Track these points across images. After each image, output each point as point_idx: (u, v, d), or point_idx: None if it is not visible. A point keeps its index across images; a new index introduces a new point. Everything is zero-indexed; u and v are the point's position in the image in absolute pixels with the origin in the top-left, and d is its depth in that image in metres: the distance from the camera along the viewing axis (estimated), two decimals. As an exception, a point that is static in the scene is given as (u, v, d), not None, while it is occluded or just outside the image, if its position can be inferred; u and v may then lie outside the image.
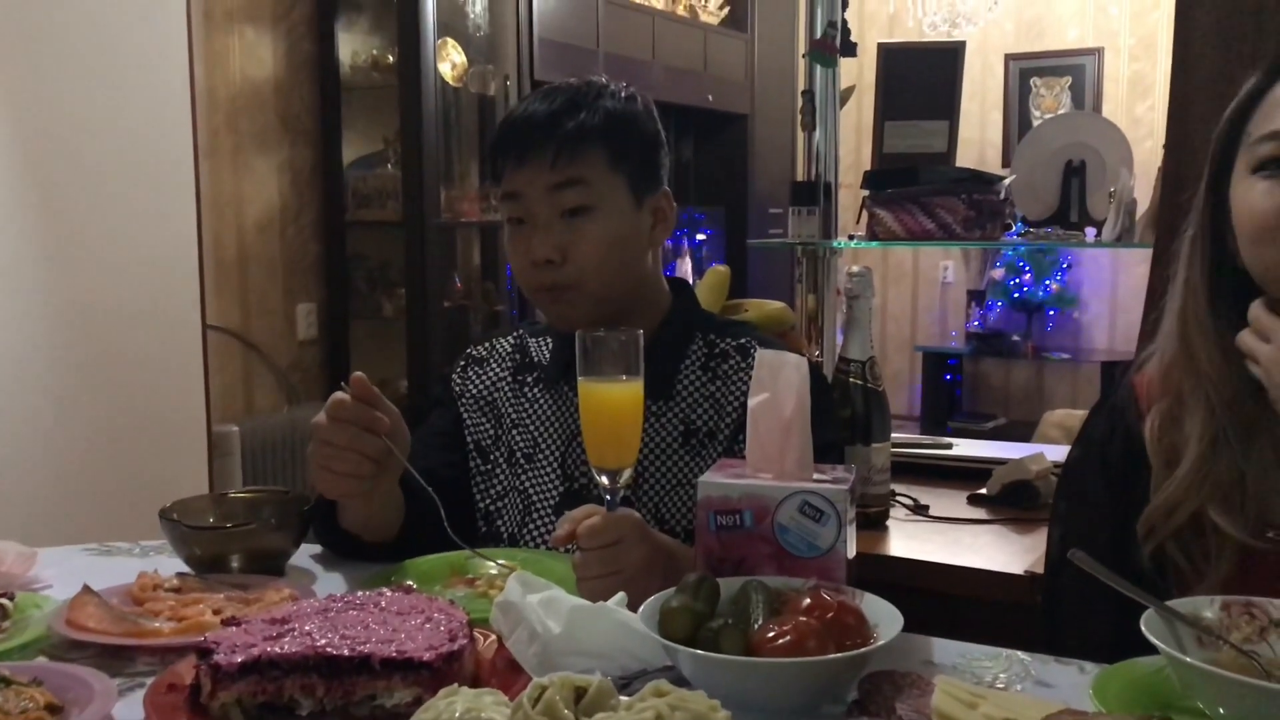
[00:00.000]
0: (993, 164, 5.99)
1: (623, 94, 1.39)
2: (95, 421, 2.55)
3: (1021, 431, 5.63)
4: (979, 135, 5.97)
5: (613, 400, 1.10)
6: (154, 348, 2.69)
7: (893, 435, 1.78)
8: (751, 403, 1.08)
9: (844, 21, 1.88)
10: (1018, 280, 5.98)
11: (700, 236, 5.26)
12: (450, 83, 3.74)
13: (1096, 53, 5.84)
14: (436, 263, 3.73)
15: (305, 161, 3.71)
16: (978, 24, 4.05)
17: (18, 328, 2.40)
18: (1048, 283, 5.93)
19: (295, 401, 3.67)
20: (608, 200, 1.31)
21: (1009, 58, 5.99)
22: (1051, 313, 6.01)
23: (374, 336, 3.88)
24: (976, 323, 6.07)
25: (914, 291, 6.35)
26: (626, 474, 1.11)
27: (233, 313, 3.50)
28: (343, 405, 1.14)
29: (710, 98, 5.14)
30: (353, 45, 3.76)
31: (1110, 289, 5.86)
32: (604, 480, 1.10)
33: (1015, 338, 5.97)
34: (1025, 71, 5.99)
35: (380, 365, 3.87)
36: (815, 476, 1.06)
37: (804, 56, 1.91)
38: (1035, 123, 6.02)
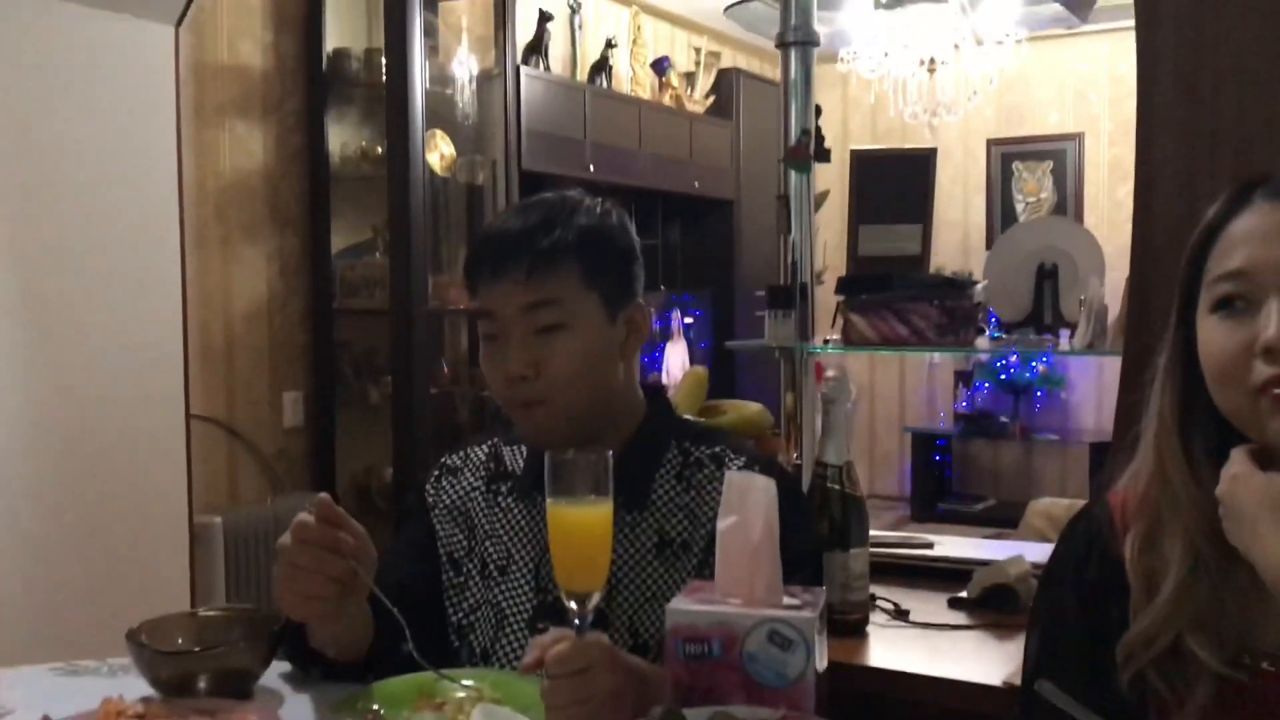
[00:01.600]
0: (977, 247, 6.06)
1: (597, 209, 1.39)
2: (75, 513, 2.53)
3: (1011, 513, 5.61)
4: (962, 218, 6.05)
5: (581, 523, 1.10)
6: (137, 437, 2.69)
7: (872, 533, 1.77)
8: (720, 525, 1.09)
9: (818, 129, 1.92)
10: (1005, 361, 6.02)
11: (689, 319, 5.30)
12: (438, 173, 3.80)
13: (1077, 138, 5.95)
14: (423, 350, 3.74)
15: (294, 250, 3.74)
16: (957, 114, 4.12)
17: (6, 426, 2.40)
18: (1035, 364, 5.96)
19: (280, 491, 3.66)
20: (581, 317, 1.32)
21: (991, 142, 6.10)
22: (1039, 394, 6.04)
23: (360, 423, 3.88)
24: (964, 403, 6.09)
25: (901, 372, 6.38)
26: (595, 597, 1.10)
27: (218, 401, 3.50)
28: (307, 527, 1.14)
29: (696, 184, 5.22)
30: (343, 136, 3.81)
31: (1097, 370, 5.89)
32: (572, 605, 1.10)
33: (1003, 419, 5.99)
34: (1007, 156, 6.09)
35: (366, 452, 3.87)
36: (785, 601, 1.06)
37: (779, 162, 1.95)
38: (1018, 205, 6.10)
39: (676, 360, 5.02)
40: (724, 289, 5.53)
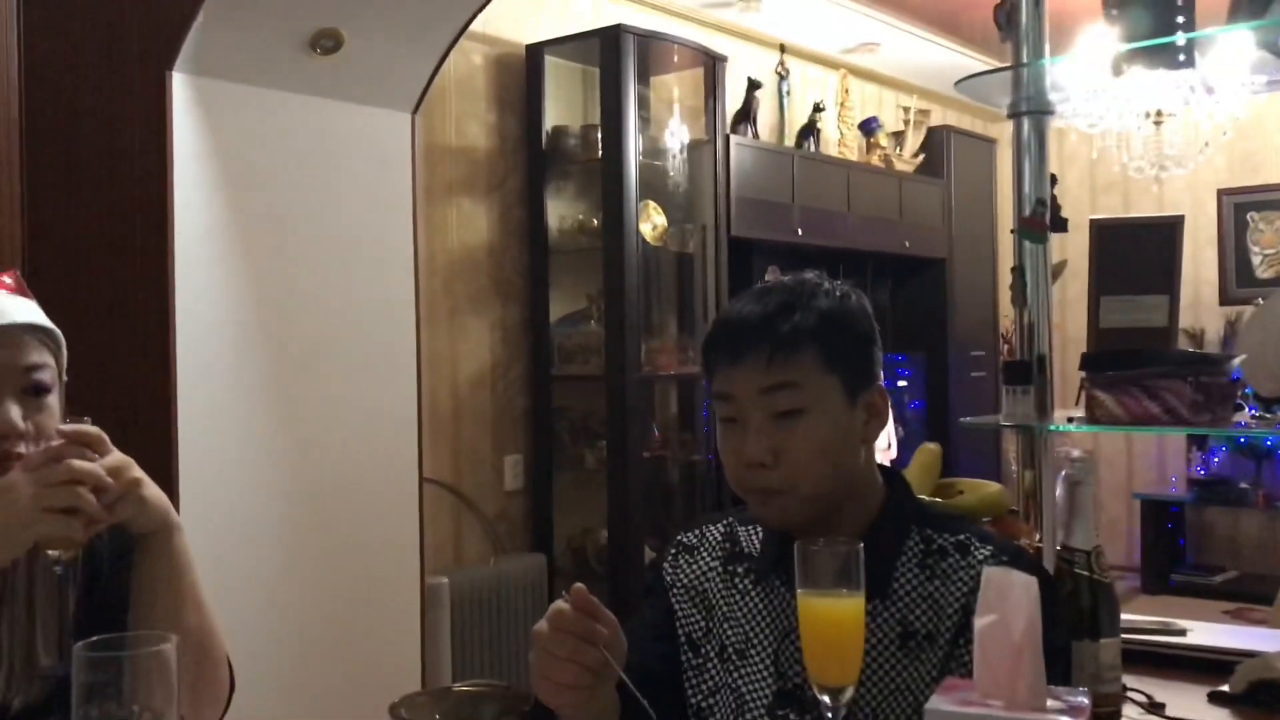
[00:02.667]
0: (1209, 302, 5.73)
1: (837, 292, 1.39)
2: (318, 571, 2.69)
3: (1255, 587, 5.23)
4: (1193, 273, 5.73)
5: (834, 615, 1.09)
6: (375, 500, 2.84)
7: (1121, 617, 1.68)
8: (978, 624, 1.05)
9: (1053, 198, 1.86)
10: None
11: (902, 382, 5.20)
12: (650, 242, 3.88)
13: (1321, 185, 5.57)
14: (636, 414, 3.81)
15: (515, 320, 3.89)
16: (1187, 166, 3.91)
17: (258, 491, 2.57)
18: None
19: (501, 552, 3.77)
20: (821, 402, 1.32)
21: (1222, 193, 5.77)
22: (1284, 458, 5.62)
23: (576, 486, 3.97)
24: (1199, 469, 5.72)
25: (1129, 435, 6.06)
26: (849, 692, 1.09)
27: (445, 464, 3.66)
28: (563, 616, 1.16)
29: (906, 243, 5.14)
30: (560, 210, 3.95)
31: (1350, 433, 5.44)
32: (825, 699, 1.09)
33: (1243, 485, 5.59)
34: (1241, 206, 5.75)
35: (582, 514, 3.95)
36: (1050, 704, 1.01)
37: (1012, 233, 1.90)
38: (1254, 259, 5.74)
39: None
40: (937, 349, 5.42)
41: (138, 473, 1.23)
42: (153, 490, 1.25)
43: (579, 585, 1.17)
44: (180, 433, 2.40)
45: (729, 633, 1.41)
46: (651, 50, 3.93)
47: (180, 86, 2.42)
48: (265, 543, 2.59)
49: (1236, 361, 1.72)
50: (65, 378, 1.32)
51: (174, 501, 1.30)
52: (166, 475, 2.33)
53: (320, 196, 2.72)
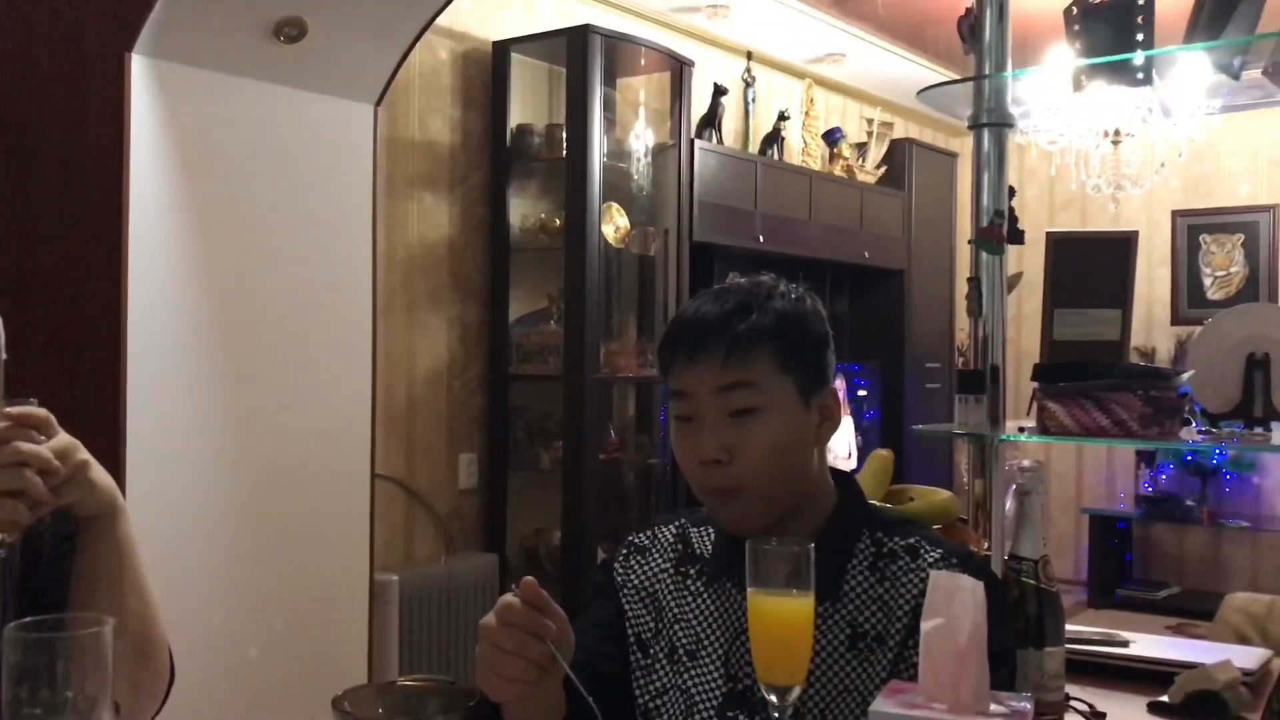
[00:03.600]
0: (1161, 321, 5.82)
1: (792, 294, 1.40)
2: (267, 563, 2.65)
3: (1198, 603, 5.32)
4: (1146, 292, 5.82)
5: (783, 615, 1.09)
6: (325, 494, 2.81)
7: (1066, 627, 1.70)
8: (925, 626, 1.06)
9: (1011, 210, 1.88)
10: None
11: (862, 391, 5.24)
12: (612, 244, 3.88)
13: (1271, 210, 5.67)
14: (593, 416, 3.80)
15: (474, 318, 3.87)
16: (1143, 186, 3.99)
17: (207, 481, 2.54)
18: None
19: (453, 551, 3.75)
20: (776, 401, 1.32)
21: (1176, 214, 5.87)
22: (1228, 476, 5.72)
23: (531, 487, 3.96)
24: (1147, 485, 5.81)
25: (1079, 450, 6.14)
26: (795, 691, 1.09)
27: (398, 461, 3.63)
28: (512, 610, 1.15)
29: (866, 254, 5.18)
30: (522, 209, 3.94)
31: (1293, 454, 5.55)
32: (772, 698, 1.09)
33: (1189, 502, 5.69)
34: (1194, 228, 5.85)
35: (536, 515, 3.94)
36: (993, 708, 1.02)
37: (970, 243, 1.92)
38: (1206, 280, 5.84)
39: (842, 433, 4.96)
40: (893, 360, 5.46)
41: (85, 455, 1.21)
42: (100, 473, 1.23)
43: (529, 579, 1.17)
44: (129, 419, 2.36)
45: (679, 634, 1.40)
46: (619, 52, 3.93)
47: (140, 69, 2.39)
48: (212, 532, 2.55)
49: (1185, 377, 1.75)
50: (4, 355, 1.29)
51: (120, 489, 1.28)
52: (114, 461, 2.29)
53: (279, 185, 2.69)
